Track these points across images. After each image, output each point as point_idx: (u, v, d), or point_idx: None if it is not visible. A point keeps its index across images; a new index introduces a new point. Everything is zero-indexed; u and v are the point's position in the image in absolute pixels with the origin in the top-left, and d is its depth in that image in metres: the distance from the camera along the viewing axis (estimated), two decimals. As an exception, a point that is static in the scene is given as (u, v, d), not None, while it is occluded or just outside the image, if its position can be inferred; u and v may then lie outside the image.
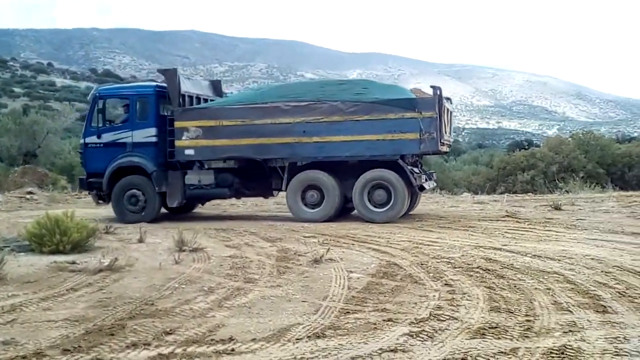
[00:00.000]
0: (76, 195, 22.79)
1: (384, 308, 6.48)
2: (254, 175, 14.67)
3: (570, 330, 5.61)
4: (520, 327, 5.75)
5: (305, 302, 6.78)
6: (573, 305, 6.46)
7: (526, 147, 40.12)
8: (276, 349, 5.29)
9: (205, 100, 15.24)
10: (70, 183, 27.36)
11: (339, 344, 5.36)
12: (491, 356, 5.01)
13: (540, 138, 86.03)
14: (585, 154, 27.52)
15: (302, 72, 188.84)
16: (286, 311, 6.43)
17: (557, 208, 15.57)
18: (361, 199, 13.40)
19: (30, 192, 21.52)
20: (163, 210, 15.08)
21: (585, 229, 12.17)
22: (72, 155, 32.25)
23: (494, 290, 7.20)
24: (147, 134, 14.38)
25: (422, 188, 14.04)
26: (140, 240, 10.81)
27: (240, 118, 13.71)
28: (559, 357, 4.97)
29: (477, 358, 4.98)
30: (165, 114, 14.56)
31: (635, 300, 6.64)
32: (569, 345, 5.19)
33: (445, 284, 7.53)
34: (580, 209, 15.61)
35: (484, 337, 5.46)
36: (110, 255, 9.20)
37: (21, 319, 6.21)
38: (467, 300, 6.77)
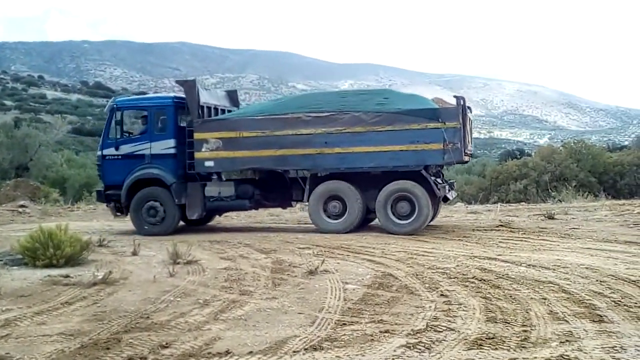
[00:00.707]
0: (69, 208, 22.71)
1: (381, 319, 6.47)
2: (274, 187, 14.55)
3: (567, 340, 5.62)
4: (517, 337, 5.75)
5: (302, 314, 6.76)
6: (569, 315, 6.48)
7: (518, 156, 40.25)
8: (273, 361, 5.28)
9: (223, 111, 15.12)
10: (63, 196, 27.27)
11: (336, 356, 5.35)
12: (489, 367, 5.01)
13: (531, 147, 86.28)
14: (577, 162, 27.63)
15: (294, 83, 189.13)
16: (282, 323, 6.41)
17: (551, 217, 15.61)
18: (384, 211, 13.19)
19: (22, 206, 21.38)
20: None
21: (579, 238, 12.20)
22: (64, 168, 32.17)
23: (490, 300, 7.20)
24: (166, 146, 14.27)
25: (445, 199, 13.96)
26: (134, 253, 10.77)
27: (260, 129, 13.54)
28: (557, 367, 4.97)
29: (475, 369, 4.99)
30: (183, 125, 14.44)
31: (631, 310, 6.65)
32: (566, 356, 5.20)
33: (441, 295, 7.53)
34: (573, 218, 15.66)
35: (481, 348, 5.46)
36: (105, 268, 9.15)
37: (16, 333, 6.17)
38: (464, 310, 6.77)
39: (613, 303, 6.96)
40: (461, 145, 12.84)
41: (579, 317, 6.41)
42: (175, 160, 14.28)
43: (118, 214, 14.86)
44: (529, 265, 9.34)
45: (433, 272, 8.90)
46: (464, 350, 5.42)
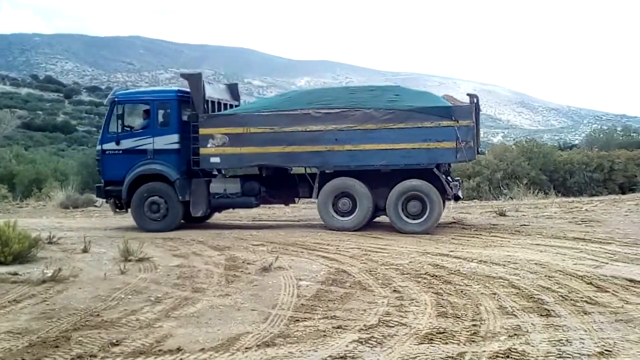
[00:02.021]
0: (17, 204, 22.18)
1: (334, 315, 6.51)
2: (280, 183, 14.32)
3: (515, 334, 5.74)
4: (467, 331, 5.85)
5: (255, 311, 6.75)
6: (518, 310, 6.61)
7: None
8: (225, 358, 5.26)
9: (225, 105, 14.83)
10: (12, 192, 26.60)
11: (289, 352, 5.36)
12: (439, 361, 5.08)
13: (485, 145, 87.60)
14: (528, 161, 28.11)
15: (250, 79, 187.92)
16: (235, 320, 6.40)
17: (502, 214, 15.87)
18: (396, 210, 12.99)
19: (-31, 202, 20.83)
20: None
21: (529, 235, 12.44)
22: (12, 164, 31.39)
23: (442, 295, 7.30)
24: (170, 141, 13.94)
25: (457, 198, 13.83)
26: (85, 250, 10.57)
27: (268, 125, 13.28)
28: (505, 360, 5.07)
29: (426, 363, 5.05)
30: (185, 119, 14.12)
31: (577, 304, 6.83)
32: (514, 349, 5.31)
33: (394, 291, 7.61)
34: (524, 215, 15.96)
35: (432, 342, 5.54)
36: (54, 265, 8.96)
37: (-39, 332, 6.01)
38: (415, 306, 6.85)
39: (560, 298, 7.13)
40: (474, 143, 12.74)
41: (527, 311, 6.55)
42: (179, 155, 13.97)
43: (118, 210, 14.49)
44: (480, 261, 9.50)
45: (386, 269, 8.98)
46: (415, 344, 5.49)
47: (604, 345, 5.35)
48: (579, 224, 14.16)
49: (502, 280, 8.08)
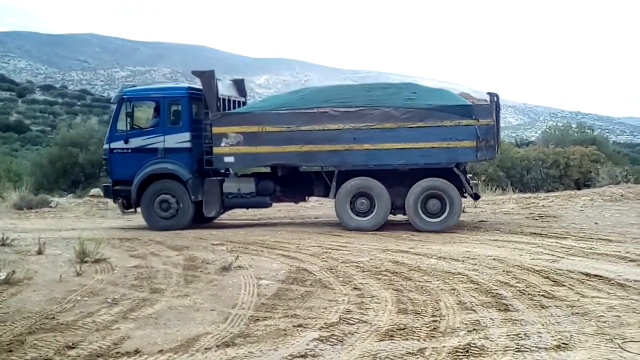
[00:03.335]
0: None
1: (294, 314, 6.48)
2: (295, 183, 14.07)
3: (475, 329, 5.79)
4: (427, 327, 5.88)
5: (214, 311, 6.68)
6: (477, 305, 6.67)
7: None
8: (184, 359, 5.18)
9: (235, 102, 14.54)
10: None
11: (249, 352, 5.32)
12: (399, 357, 5.10)
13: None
14: (486, 158, 28.51)
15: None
16: (194, 321, 6.32)
17: (461, 211, 15.99)
18: (415, 208, 12.80)
19: None
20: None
21: (487, 231, 12.61)
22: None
23: (402, 292, 7.33)
24: (181, 139, 13.66)
25: (477, 196, 13.71)
26: (39, 252, 10.31)
27: (285, 124, 12.99)
28: (464, 355, 5.11)
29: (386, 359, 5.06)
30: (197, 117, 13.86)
31: (535, 298, 6.92)
32: (473, 344, 5.35)
33: (355, 288, 7.61)
34: (482, 211, 16.13)
35: (392, 339, 5.55)
36: (7, 268, 8.71)
37: None
38: (376, 303, 6.86)
39: (518, 292, 7.22)
40: (494, 142, 12.66)
41: (486, 306, 6.62)
42: (191, 154, 13.70)
43: (127, 210, 14.15)
44: (439, 257, 9.58)
45: (347, 266, 8.98)
46: (375, 341, 5.50)
47: (561, 339, 5.43)
48: (536, 219, 14.39)
49: (461, 276, 8.15)
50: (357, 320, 6.16)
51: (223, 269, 8.77)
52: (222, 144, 13.14)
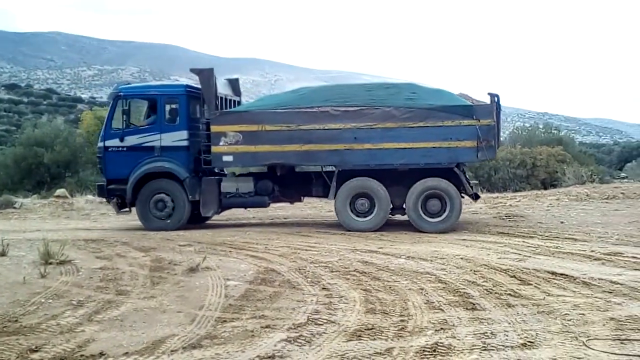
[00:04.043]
0: None
1: (262, 315, 6.43)
2: (294, 182, 14.00)
3: (442, 328, 5.80)
4: (395, 327, 5.88)
5: (181, 313, 6.60)
6: (444, 304, 6.70)
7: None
8: (150, 362, 5.12)
9: (230, 101, 14.36)
10: None
11: (216, 354, 5.26)
12: (367, 357, 5.09)
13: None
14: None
15: (176, 76, 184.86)
16: (160, 323, 6.24)
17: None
18: (416, 208, 12.78)
19: None
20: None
21: (455, 230, 12.69)
22: None
23: (370, 292, 7.33)
24: (178, 138, 13.48)
25: (477, 196, 13.68)
26: (3, 254, 10.09)
27: (285, 123, 12.87)
28: (431, 354, 5.12)
29: (354, 360, 5.04)
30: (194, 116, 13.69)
31: (502, 297, 6.97)
32: (441, 343, 5.36)
33: (323, 288, 7.59)
34: (450, 211, 16.20)
35: (360, 339, 5.53)
36: (-32, 271, 8.55)
37: None
38: (344, 303, 6.84)
39: (485, 291, 7.27)
40: (495, 142, 12.68)
41: (453, 305, 6.64)
42: (188, 153, 13.53)
43: (121, 210, 13.88)
44: (408, 257, 9.61)
45: (316, 266, 8.95)
46: (343, 342, 5.47)
47: (527, 337, 5.47)
48: (503, 219, 14.55)
49: (429, 276, 8.18)
50: (325, 321, 6.14)
51: (190, 270, 8.69)
52: (221, 143, 13.02)
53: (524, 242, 10.97)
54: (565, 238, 11.32)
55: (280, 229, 13.44)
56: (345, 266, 8.92)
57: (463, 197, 13.30)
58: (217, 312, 6.59)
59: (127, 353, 5.32)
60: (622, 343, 5.30)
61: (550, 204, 17.45)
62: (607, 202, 17.56)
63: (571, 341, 5.36)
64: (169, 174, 13.52)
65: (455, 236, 11.87)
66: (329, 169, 13.38)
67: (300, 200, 15.20)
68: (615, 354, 5.04)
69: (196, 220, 14.13)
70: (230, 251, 10.51)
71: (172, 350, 5.36)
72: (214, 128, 13.08)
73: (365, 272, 8.46)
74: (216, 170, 13.98)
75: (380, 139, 12.74)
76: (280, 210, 17.22)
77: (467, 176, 13.92)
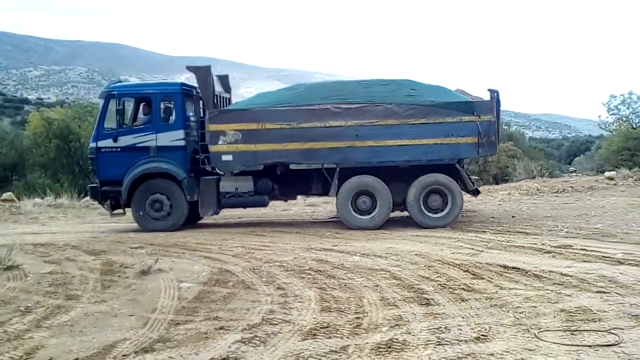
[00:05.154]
0: None
1: (216, 316, 6.36)
2: (294, 181, 13.77)
3: (397, 325, 5.82)
4: (350, 324, 5.87)
5: (133, 316, 6.48)
6: (399, 300, 6.72)
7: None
8: (100, 367, 5.00)
9: (223, 99, 14.00)
10: None
11: (169, 357, 5.18)
12: (322, 356, 5.07)
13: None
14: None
15: (126, 75, 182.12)
16: (112, 327, 6.11)
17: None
18: (417, 204, 12.69)
19: None
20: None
21: (410, 226, 12.70)
22: None
23: (325, 290, 7.31)
24: (175, 137, 13.09)
25: (477, 192, 13.59)
26: (-55, 261, 9.77)
27: (285, 121, 12.65)
28: (386, 351, 5.13)
29: (309, 359, 5.01)
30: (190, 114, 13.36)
31: (455, 292, 7.03)
32: (396, 339, 5.37)
33: (278, 288, 7.54)
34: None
35: (315, 338, 5.51)
36: None
37: None
38: (299, 302, 6.81)
39: (439, 286, 7.32)
40: (495, 138, 12.70)
41: (408, 301, 6.67)
42: (185, 152, 13.19)
43: (115, 212, 13.44)
44: (363, 254, 9.62)
45: (270, 266, 8.89)
46: (298, 341, 5.44)
47: (480, 330, 5.52)
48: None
49: (384, 272, 8.20)
50: (280, 321, 6.09)
51: (142, 272, 8.53)
52: (220, 142, 12.76)
53: (476, 236, 11.11)
54: (517, 232, 11.50)
55: (234, 229, 13.32)
56: (300, 265, 8.89)
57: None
58: (170, 315, 6.48)
59: (77, 359, 5.21)
60: (572, 334, 5.40)
61: (502, 199, 17.75)
62: (556, 196, 17.96)
63: (523, 333, 5.44)
64: (165, 174, 13.25)
65: (410, 232, 11.95)
66: (330, 166, 13.29)
67: (294, 198, 15.10)
68: (565, 344, 5.13)
69: (189, 221, 13.85)
70: (183, 253, 10.37)
71: (123, 355, 5.27)
72: (212, 127, 12.84)
73: (320, 271, 8.43)
74: (208, 169, 13.66)
75: (382, 136, 12.70)
76: (234, 210, 17.05)
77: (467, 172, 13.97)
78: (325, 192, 13.57)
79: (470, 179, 13.26)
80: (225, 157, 12.87)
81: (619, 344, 5.09)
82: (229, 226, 13.94)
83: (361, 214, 12.90)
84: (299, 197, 15.77)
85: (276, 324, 5.98)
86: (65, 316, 6.58)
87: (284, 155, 12.88)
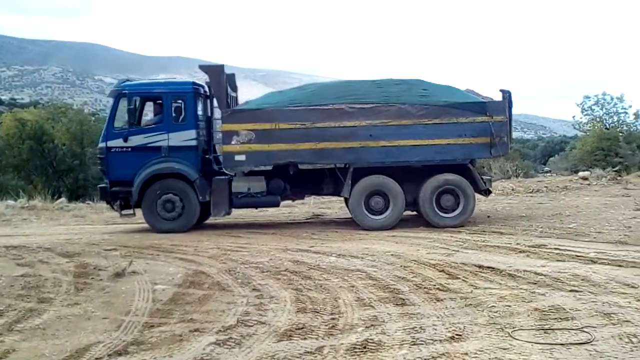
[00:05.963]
0: None
1: (191, 318, 6.32)
2: (306, 181, 13.62)
3: (372, 325, 5.82)
4: (326, 325, 5.87)
5: (106, 319, 6.41)
6: (375, 301, 6.73)
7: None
8: (73, 371, 4.94)
9: (232, 97, 13.75)
10: None
11: (142, 360, 5.12)
12: (297, 357, 5.06)
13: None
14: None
15: (101, 75, 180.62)
16: (85, 330, 6.05)
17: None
18: (430, 204, 12.68)
19: None
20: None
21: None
22: None
23: (301, 291, 7.30)
24: (186, 137, 12.92)
25: (489, 192, 13.61)
26: None
27: (299, 121, 12.55)
28: (362, 351, 5.13)
29: (284, 360, 5.00)
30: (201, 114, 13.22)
31: (430, 292, 7.06)
32: (371, 339, 5.38)
33: (254, 289, 7.52)
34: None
35: (290, 339, 5.50)
36: None
37: None
38: (275, 303, 6.79)
39: (415, 286, 7.35)
40: (507, 138, 12.75)
41: (383, 302, 6.68)
42: (197, 153, 13.04)
43: (125, 212, 13.20)
44: (339, 255, 9.63)
45: (246, 267, 8.86)
46: (273, 342, 5.43)
47: (455, 330, 5.55)
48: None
49: (360, 273, 8.21)
50: (255, 322, 6.07)
51: (116, 275, 8.45)
52: (233, 142, 12.61)
53: (452, 236, 11.17)
54: (492, 232, 11.59)
55: (210, 230, 13.25)
56: (276, 266, 8.86)
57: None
58: (144, 317, 6.43)
59: (49, 363, 5.14)
60: (545, 332, 5.45)
61: (477, 199, 17.83)
62: (531, 196, 18.13)
63: (497, 333, 5.48)
64: (177, 174, 13.10)
65: (386, 233, 11.98)
66: (341, 166, 13.24)
67: (302, 198, 14.96)
68: (539, 343, 5.18)
69: (197, 220, 13.66)
70: (158, 254, 10.28)
71: (97, 358, 5.23)
72: (225, 127, 12.73)
73: (296, 272, 8.42)
74: (216, 169, 13.53)
75: (396, 136, 12.68)
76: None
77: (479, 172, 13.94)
78: (336, 192, 13.57)
79: (482, 178, 13.32)
80: (238, 157, 12.74)
81: (591, 342, 5.15)
82: (205, 227, 13.85)
83: (374, 214, 12.88)
84: None
85: (251, 326, 5.96)
86: (37, 319, 6.49)
87: (297, 155, 12.81)
